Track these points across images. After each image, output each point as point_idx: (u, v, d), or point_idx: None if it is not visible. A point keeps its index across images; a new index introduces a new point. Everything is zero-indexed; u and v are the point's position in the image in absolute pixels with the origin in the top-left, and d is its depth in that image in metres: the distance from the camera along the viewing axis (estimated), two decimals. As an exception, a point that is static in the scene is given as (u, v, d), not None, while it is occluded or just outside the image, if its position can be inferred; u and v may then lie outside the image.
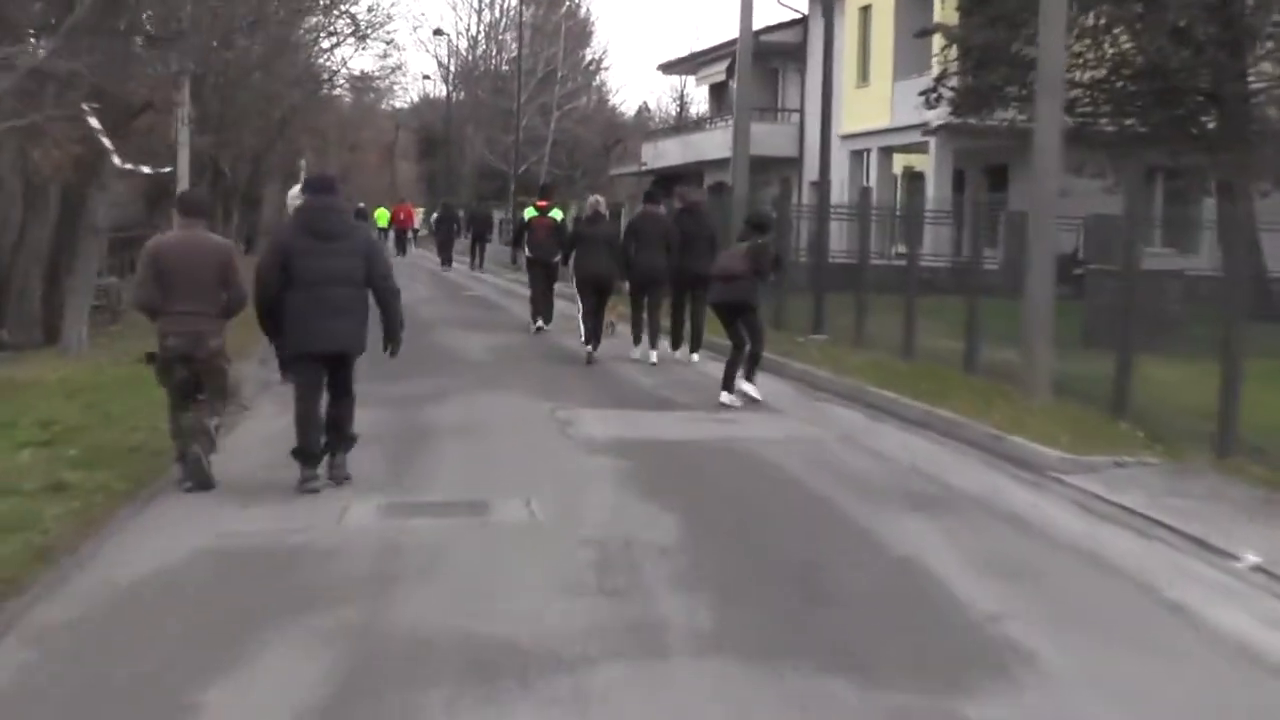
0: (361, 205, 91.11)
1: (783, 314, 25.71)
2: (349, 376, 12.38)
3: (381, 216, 78.56)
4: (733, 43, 56.37)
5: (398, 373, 16.32)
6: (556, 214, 27.82)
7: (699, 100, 79.27)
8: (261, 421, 15.31)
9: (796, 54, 54.69)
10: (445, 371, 20.81)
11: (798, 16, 54.24)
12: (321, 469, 12.11)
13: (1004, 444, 14.62)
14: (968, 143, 40.35)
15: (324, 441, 12.16)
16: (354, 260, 11.98)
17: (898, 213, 34.78)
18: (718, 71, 61.42)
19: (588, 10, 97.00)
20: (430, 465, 13.49)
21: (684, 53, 64.57)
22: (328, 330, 11.88)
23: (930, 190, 39.92)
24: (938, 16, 38.51)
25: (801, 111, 54.75)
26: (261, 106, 52.52)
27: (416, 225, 74.67)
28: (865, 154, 45.34)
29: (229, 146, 47.04)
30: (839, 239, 28.60)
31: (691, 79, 68.30)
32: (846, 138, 45.84)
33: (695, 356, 21.97)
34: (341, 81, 70.23)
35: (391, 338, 12.43)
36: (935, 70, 36.18)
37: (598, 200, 23.44)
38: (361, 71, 75.13)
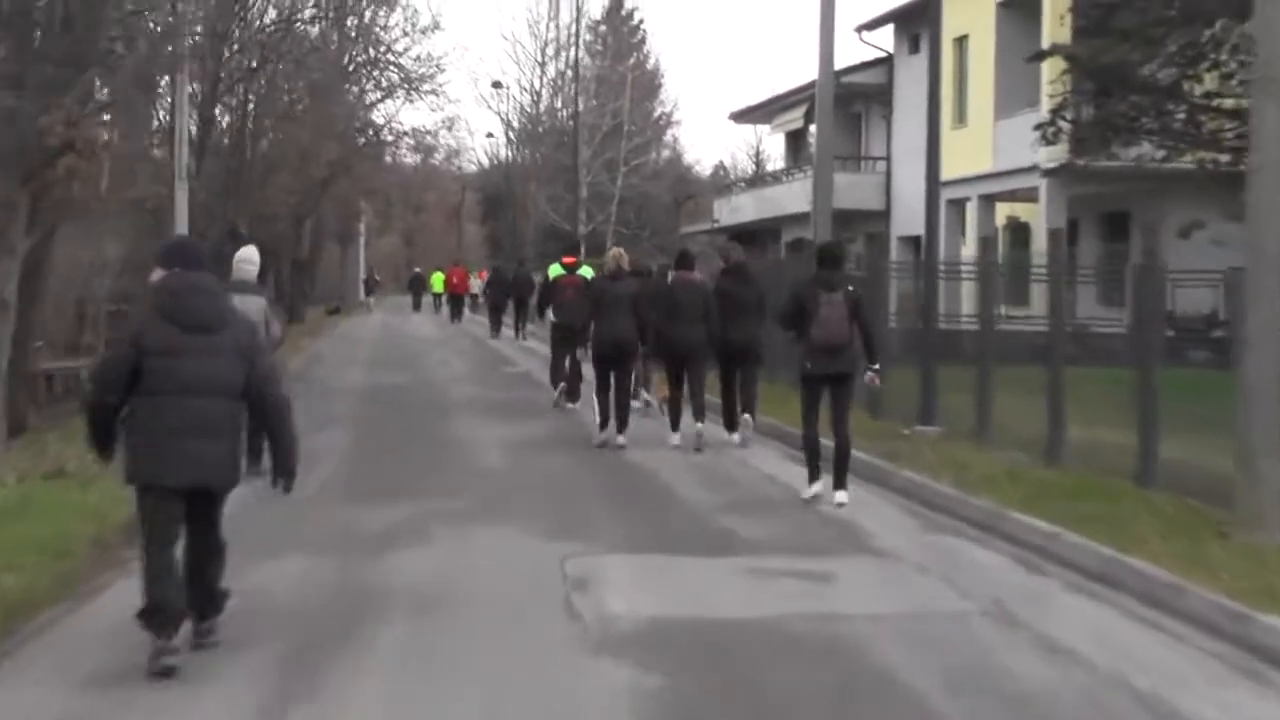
0: (418, 270, 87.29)
1: (877, 395, 20.43)
2: (216, 518, 9.05)
3: (437, 281, 73.99)
4: (810, 86, 51.71)
5: (380, 485, 14.32)
6: (586, 272, 23.63)
7: (775, 154, 74.43)
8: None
9: (881, 96, 49.56)
10: (440, 484, 15.71)
11: (882, 55, 49.21)
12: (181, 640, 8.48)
13: (1253, 628, 9.29)
14: (1085, 187, 35.07)
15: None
16: (230, 361, 8.78)
17: (1036, 266, 29.41)
18: (794, 118, 56.29)
19: (656, 61, 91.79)
20: (339, 694, 8.26)
21: (757, 100, 59.40)
22: (189, 455, 8.62)
23: (1041, 242, 34.52)
24: (1047, 39, 33.29)
25: (888, 159, 49.59)
26: (293, 161, 47.99)
27: (474, 289, 69.56)
28: (963, 204, 39.97)
29: (246, 203, 42.21)
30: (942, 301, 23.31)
31: (766, 128, 63.22)
32: (944, 185, 40.44)
33: (739, 437, 19.23)
34: (390, 136, 64.86)
35: (282, 469, 9.06)
36: (1047, 103, 31.06)
37: (619, 254, 20.24)
38: (413, 128, 69.94)
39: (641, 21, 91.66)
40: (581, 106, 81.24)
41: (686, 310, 18.72)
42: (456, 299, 62.94)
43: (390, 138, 65.23)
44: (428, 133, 65.50)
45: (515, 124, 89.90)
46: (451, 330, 52.70)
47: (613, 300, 18.92)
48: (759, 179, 64.73)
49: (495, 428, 21.03)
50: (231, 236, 43.03)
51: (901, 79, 47.99)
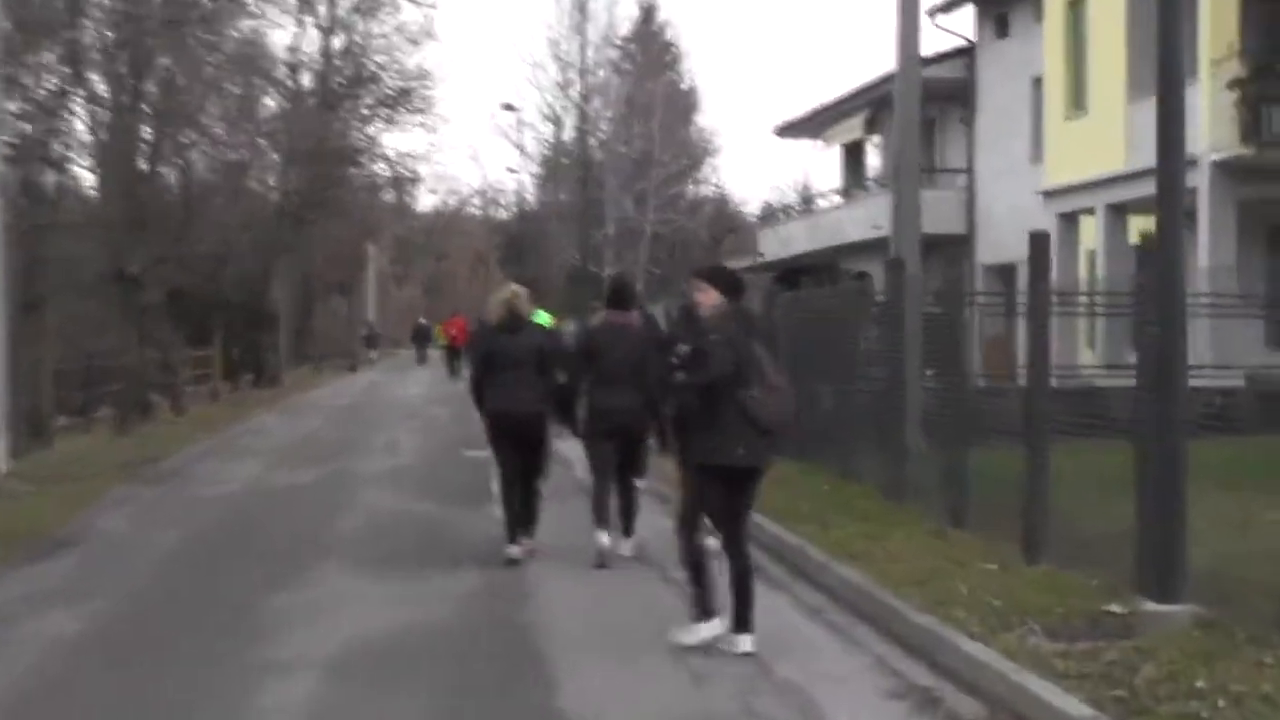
0: (422, 321, 78.51)
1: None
2: None
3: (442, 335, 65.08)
4: (870, 89, 43.45)
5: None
6: (544, 319, 18.52)
7: (826, 180, 64.87)
8: None
9: (960, 95, 40.16)
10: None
11: (961, 44, 39.81)
12: None
13: None
14: (1262, 187, 25.66)
15: None
16: None
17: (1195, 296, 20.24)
18: (851, 128, 46.88)
19: (691, 81, 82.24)
20: None
21: (806, 110, 49.94)
22: None
23: (1203, 259, 25.05)
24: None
25: (969, 172, 40.22)
26: (222, 186, 39.02)
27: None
28: (1077, 217, 30.36)
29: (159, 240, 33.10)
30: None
31: (816, 144, 53.88)
32: (1051, 195, 30.99)
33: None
34: (376, 163, 55.84)
35: None
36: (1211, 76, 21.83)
37: (515, 294, 13.96)
38: (398, 152, 60.87)
39: (674, 39, 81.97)
40: (606, 131, 72.65)
41: (614, 367, 13.41)
42: (454, 353, 53.85)
43: (377, 164, 55.95)
44: (410, 156, 55.59)
45: (536, 157, 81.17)
46: (444, 390, 43.36)
47: (505, 359, 13.46)
48: (809, 203, 55.16)
49: (365, 603, 11.72)
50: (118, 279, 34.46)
51: (986, 72, 38.69)
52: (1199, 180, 25.06)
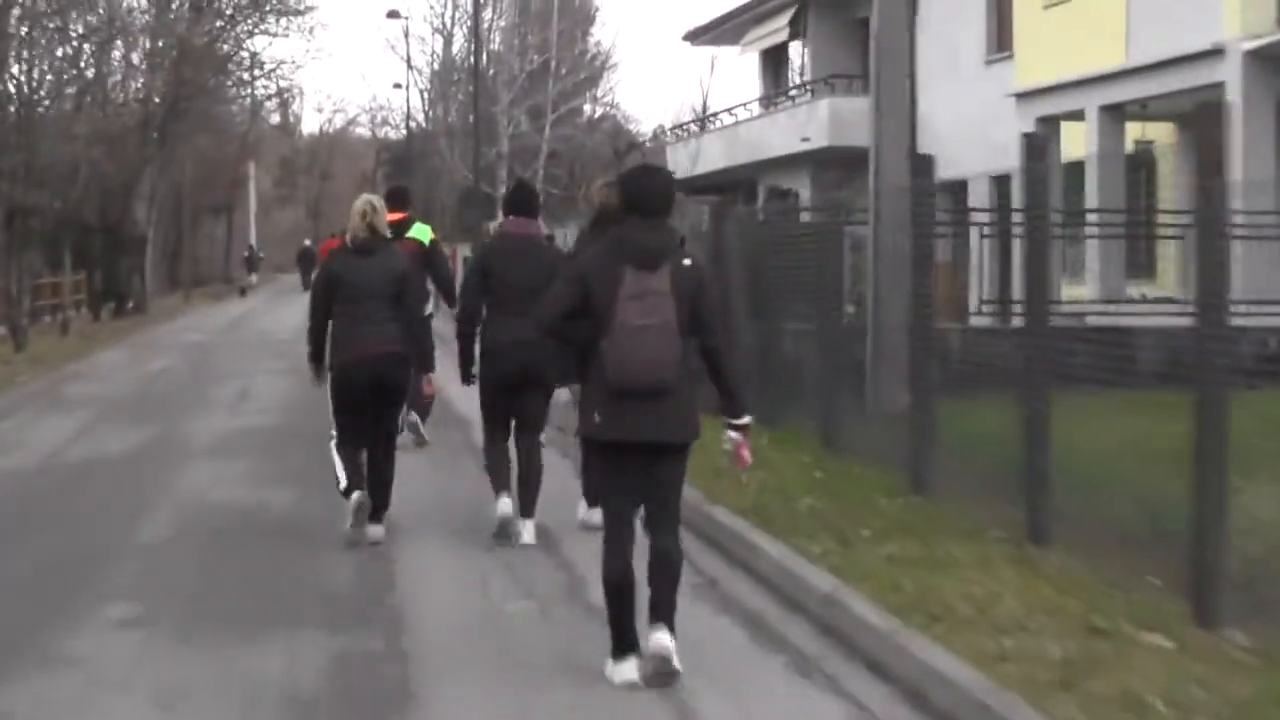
0: (307, 243, 73.67)
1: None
2: None
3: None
4: None
5: None
6: (421, 234, 14.89)
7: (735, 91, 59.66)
8: None
9: (898, -10, 35.42)
10: None
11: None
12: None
13: None
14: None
15: None
16: None
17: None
18: (774, 30, 42.30)
19: (591, -13, 77.15)
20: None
21: (720, 12, 45.45)
22: None
23: (1236, 170, 20.72)
24: None
25: (911, 78, 35.61)
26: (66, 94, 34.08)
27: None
28: (1058, 122, 26.00)
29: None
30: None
31: (729, 51, 49.41)
32: (1026, 96, 26.65)
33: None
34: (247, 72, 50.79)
35: None
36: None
37: (368, 205, 10.71)
38: (273, 59, 55.78)
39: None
40: (498, 41, 67.86)
41: (520, 287, 10.27)
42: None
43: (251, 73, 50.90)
44: (287, 63, 50.58)
45: (425, 72, 76.06)
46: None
47: (357, 287, 10.47)
48: (707, 121, 50.63)
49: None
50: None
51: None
52: (1228, 73, 20.82)
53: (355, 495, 10.40)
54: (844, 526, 9.82)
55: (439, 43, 75.39)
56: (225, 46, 49.78)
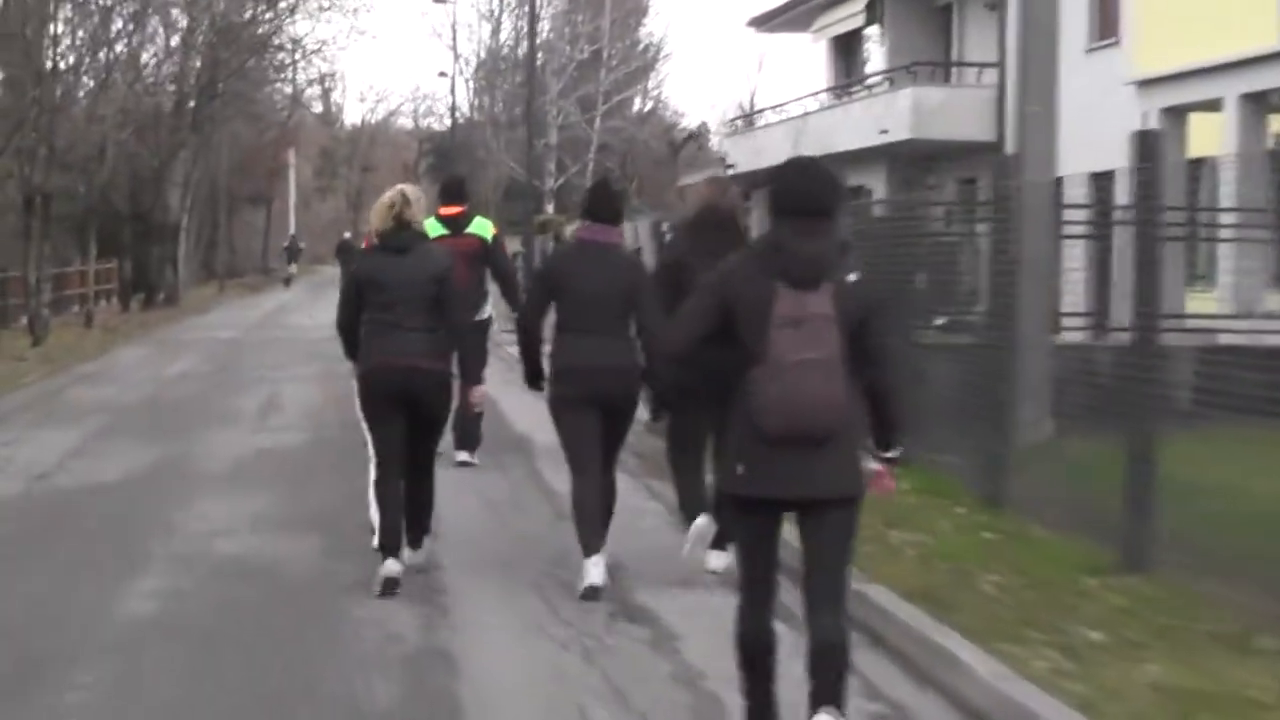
0: (347, 236, 71.55)
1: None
2: None
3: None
4: None
5: None
6: (482, 229, 12.94)
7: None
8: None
9: (985, -27, 33.25)
10: None
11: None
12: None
13: None
14: None
15: None
16: None
17: None
18: (848, 15, 39.73)
19: (646, -25, 74.59)
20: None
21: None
22: None
23: None
24: None
25: (1000, 66, 33.06)
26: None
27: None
28: (1185, 114, 23.30)
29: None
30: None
31: (797, 39, 46.87)
32: (1147, 85, 23.98)
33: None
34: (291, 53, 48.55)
35: None
36: None
37: (403, 195, 9.27)
38: (315, 40, 53.50)
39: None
40: (549, 29, 65.40)
41: (596, 303, 8.90)
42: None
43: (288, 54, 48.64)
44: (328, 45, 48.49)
45: (471, 60, 73.78)
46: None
47: (387, 290, 8.99)
48: (751, 118, 48.09)
49: None
50: None
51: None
52: None
53: (387, 565, 8.80)
54: (1057, 623, 7.30)
55: (486, 30, 73.43)
56: (265, 27, 47.42)
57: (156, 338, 32.43)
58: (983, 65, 33.91)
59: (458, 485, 11.64)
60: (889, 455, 6.16)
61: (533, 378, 9.45)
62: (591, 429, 8.95)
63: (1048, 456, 11.19)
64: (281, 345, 29.59)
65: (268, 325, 37.23)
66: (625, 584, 8.84)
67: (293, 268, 69.83)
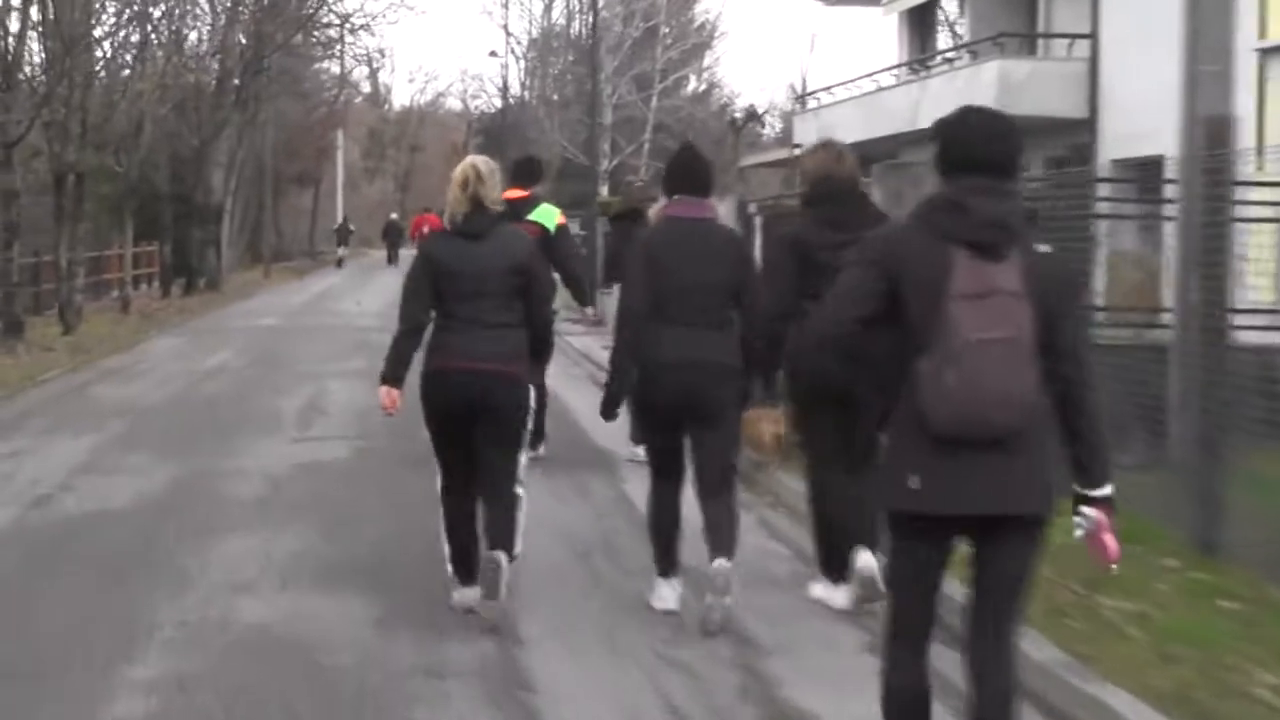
0: (394, 217, 70.25)
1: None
2: None
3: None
4: None
5: None
6: (546, 217, 12.14)
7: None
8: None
9: (1078, -64, 31.08)
10: None
11: None
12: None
13: None
14: None
15: None
16: None
17: None
18: (926, -15, 37.61)
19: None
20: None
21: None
22: None
23: None
24: None
25: (1093, 37, 30.88)
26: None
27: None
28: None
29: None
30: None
31: (869, 12, 44.80)
32: (1271, 51, 21.85)
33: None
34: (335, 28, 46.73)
35: None
36: None
37: (476, 169, 7.89)
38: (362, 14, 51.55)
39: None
40: (602, 4, 63.44)
41: (697, 290, 7.83)
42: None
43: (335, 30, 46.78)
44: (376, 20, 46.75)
45: (523, 39, 71.97)
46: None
47: (462, 281, 7.78)
48: (803, 99, 46.09)
49: None
50: None
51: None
52: None
53: (462, 595, 7.84)
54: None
55: (539, 8, 71.64)
56: (311, 1, 45.64)
57: (195, 326, 30.55)
58: (1074, 36, 31.76)
59: (538, 518, 9.55)
60: (1099, 494, 4.92)
61: (611, 404, 8.05)
62: (673, 441, 7.95)
63: (1237, 484, 9.15)
64: (327, 334, 27.64)
65: (312, 311, 35.30)
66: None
67: (342, 250, 68.41)
